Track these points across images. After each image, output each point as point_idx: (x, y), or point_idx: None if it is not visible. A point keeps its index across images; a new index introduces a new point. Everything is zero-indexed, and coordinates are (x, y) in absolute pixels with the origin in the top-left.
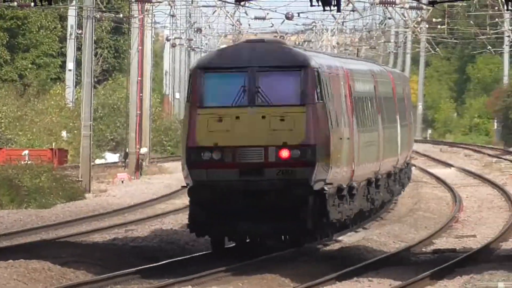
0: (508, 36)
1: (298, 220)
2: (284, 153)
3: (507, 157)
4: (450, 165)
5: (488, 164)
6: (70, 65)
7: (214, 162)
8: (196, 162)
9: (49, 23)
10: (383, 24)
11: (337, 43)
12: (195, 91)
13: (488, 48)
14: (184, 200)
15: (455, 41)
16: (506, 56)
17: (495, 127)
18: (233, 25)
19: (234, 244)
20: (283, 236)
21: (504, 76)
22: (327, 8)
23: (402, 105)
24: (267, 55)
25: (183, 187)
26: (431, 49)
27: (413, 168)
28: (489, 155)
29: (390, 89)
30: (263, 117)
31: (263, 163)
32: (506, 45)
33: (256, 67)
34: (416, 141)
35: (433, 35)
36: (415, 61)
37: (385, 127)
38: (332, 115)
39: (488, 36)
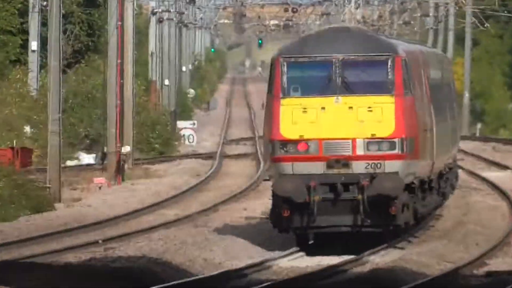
0: None
1: (388, 215)
2: (373, 146)
3: None
4: (505, 167)
5: None
6: (34, 44)
7: (300, 155)
8: (280, 155)
9: None
10: None
11: (363, 17)
12: (278, 81)
13: None
14: (176, 211)
15: (508, 14)
16: None
17: None
18: None
19: (312, 242)
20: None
21: None
22: None
23: (455, 93)
24: (353, 43)
25: (266, 180)
26: (479, 25)
27: (460, 171)
28: None
29: (449, 75)
30: (350, 107)
31: (350, 156)
32: None
33: (342, 56)
34: (462, 137)
35: (481, 7)
36: (459, 39)
37: (451, 116)
38: (418, 105)
39: None
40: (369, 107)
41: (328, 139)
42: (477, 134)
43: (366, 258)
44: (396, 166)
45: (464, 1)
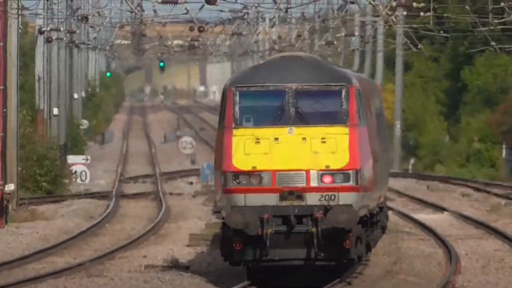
0: None
1: (342, 249)
2: (327, 178)
3: None
4: (442, 209)
5: (495, 207)
6: None
7: (253, 187)
8: (233, 187)
9: None
10: (344, 11)
11: (279, 37)
12: (229, 111)
13: (491, 44)
14: (67, 258)
15: (445, 35)
16: None
17: (504, 155)
18: (132, 12)
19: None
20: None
21: None
22: None
23: (385, 122)
24: (306, 72)
25: (216, 212)
26: (411, 46)
27: (390, 212)
28: (496, 195)
29: (381, 104)
30: (304, 138)
31: (304, 187)
32: None
33: (295, 85)
34: (394, 174)
35: (414, 26)
36: (389, 62)
37: (386, 147)
38: (370, 135)
39: (491, 28)
40: (323, 138)
41: (282, 170)
42: (410, 171)
43: None
44: (350, 199)
45: (394, 20)
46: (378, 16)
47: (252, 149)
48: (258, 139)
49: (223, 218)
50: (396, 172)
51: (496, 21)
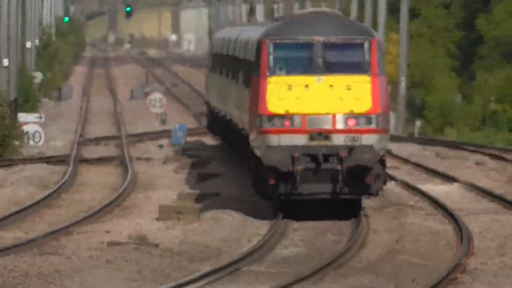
0: None
1: (363, 184)
2: (351, 121)
3: None
4: (452, 179)
5: None
6: None
7: (285, 128)
8: (268, 128)
9: None
10: None
11: None
12: (264, 60)
13: None
14: (17, 233)
15: None
16: None
17: None
18: None
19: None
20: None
21: None
22: None
23: None
24: (332, 26)
25: (251, 151)
26: None
27: (393, 183)
28: None
29: None
30: (331, 86)
31: (331, 129)
32: None
33: (323, 38)
34: (397, 139)
35: None
36: (393, 9)
37: None
38: (387, 84)
39: None
40: (348, 86)
41: (311, 114)
42: (416, 135)
43: None
44: (372, 140)
45: None
46: None
47: (284, 94)
48: (290, 86)
49: (256, 157)
50: (400, 136)
51: None
